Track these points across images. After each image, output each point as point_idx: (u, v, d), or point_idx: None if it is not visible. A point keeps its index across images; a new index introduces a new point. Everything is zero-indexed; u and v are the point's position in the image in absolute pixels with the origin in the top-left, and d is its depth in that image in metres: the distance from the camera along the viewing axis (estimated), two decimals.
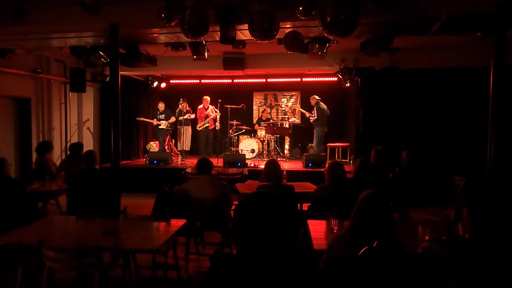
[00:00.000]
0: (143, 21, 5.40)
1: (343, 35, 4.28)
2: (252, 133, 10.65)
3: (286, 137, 10.53)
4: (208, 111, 10.25)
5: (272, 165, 4.56)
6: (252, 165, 8.69)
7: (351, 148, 9.51)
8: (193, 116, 10.18)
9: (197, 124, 10.36)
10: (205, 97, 10.31)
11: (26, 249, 3.03)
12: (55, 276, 3.57)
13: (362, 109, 8.61)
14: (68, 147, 8.25)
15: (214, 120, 10.35)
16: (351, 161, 9.40)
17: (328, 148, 9.90)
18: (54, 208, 6.02)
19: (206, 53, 6.77)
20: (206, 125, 10.17)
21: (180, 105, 9.90)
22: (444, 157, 7.74)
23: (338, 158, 9.69)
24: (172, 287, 3.91)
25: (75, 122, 9.72)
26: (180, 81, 11.45)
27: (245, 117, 11.15)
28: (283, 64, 8.90)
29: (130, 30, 5.80)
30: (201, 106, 10.35)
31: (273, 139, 10.20)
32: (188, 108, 10.13)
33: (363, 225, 2.27)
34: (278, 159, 9.50)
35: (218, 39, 5.31)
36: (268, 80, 11.17)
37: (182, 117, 9.93)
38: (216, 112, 10.19)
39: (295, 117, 11.83)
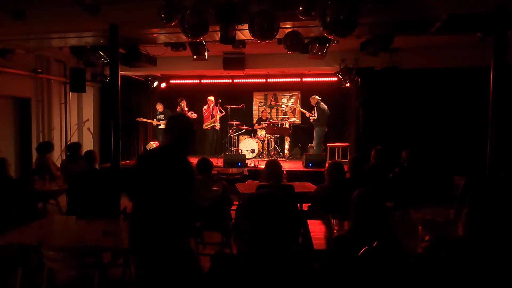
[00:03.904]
0: (143, 21, 5.40)
1: (343, 35, 4.28)
2: (252, 133, 10.65)
3: (286, 137, 10.53)
4: (213, 111, 10.26)
5: (273, 165, 4.56)
6: (252, 165, 8.69)
7: (351, 148, 9.51)
8: (195, 115, 10.19)
9: (203, 123, 10.35)
10: (209, 97, 10.32)
11: (26, 249, 3.03)
12: (55, 276, 3.56)
13: (362, 109, 8.61)
14: (66, 147, 8.27)
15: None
16: None
17: (328, 148, 9.90)
18: (54, 208, 6.02)
19: (206, 53, 6.77)
20: (213, 124, 10.17)
21: (179, 106, 9.90)
22: (444, 157, 7.74)
23: (338, 158, 9.69)
24: (172, 287, 3.90)
25: (75, 122, 9.72)
26: (180, 81, 11.46)
27: (245, 117, 11.15)
28: (283, 64, 8.90)
29: (130, 30, 5.80)
30: (205, 106, 10.35)
31: (273, 139, 10.20)
32: (186, 108, 10.13)
33: (359, 224, 2.27)
34: (278, 159, 9.50)
35: (218, 39, 5.32)
36: (268, 80, 11.17)
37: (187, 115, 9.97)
38: (221, 112, 10.21)
39: (295, 117, 11.83)
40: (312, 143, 9.91)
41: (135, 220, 2.69)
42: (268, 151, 10.25)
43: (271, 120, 11.05)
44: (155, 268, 2.58)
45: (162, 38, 6.38)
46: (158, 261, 2.58)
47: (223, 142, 10.82)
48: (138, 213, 2.67)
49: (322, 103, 9.70)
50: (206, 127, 10.27)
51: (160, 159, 2.64)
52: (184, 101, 10.07)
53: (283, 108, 11.35)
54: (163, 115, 10.20)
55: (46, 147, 6.48)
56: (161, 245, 2.57)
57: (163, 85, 11.24)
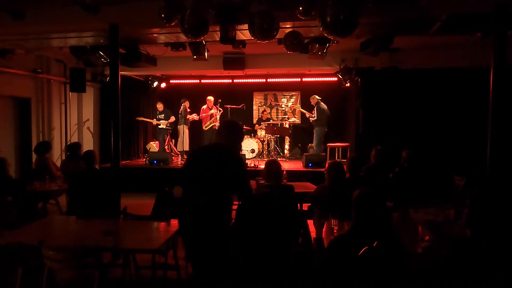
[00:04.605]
0: (143, 21, 5.40)
1: (343, 35, 4.28)
2: (252, 133, 10.64)
3: (286, 137, 10.53)
4: (212, 111, 10.25)
5: (273, 165, 4.55)
6: (252, 165, 8.69)
7: (351, 148, 9.51)
8: (197, 117, 10.19)
9: (202, 124, 10.34)
10: (209, 97, 10.30)
11: (26, 249, 3.03)
12: (55, 276, 3.57)
13: (362, 109, 8.61)
14: (66, 147, 8.27)
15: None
16: None
17: (328, 148, 9.90)
18: (54, 208, 6.02)
19: (206, 53, 6.77)
20: (213, 124, 10.18)
21: (182, 106, 9.89)
22: (444, 157, 7.74)
23: (338, 158, 9.69)
24: (172, 287, 3.91)
25: (75, 122, 9.72)
26: (180, 81, 11.46)
27: (245, 117, 11.14)
28: (283, 64, 8.90)
29: (130, 30, 5.80)
30: (205, 106, 10.33)
31: (273, 139, 10.20)
32: (188, 109, 10.12)
33: (359, 224, 2.28)
34: (278, 159, 9.50)
35: (218, 39, 5.32)
36: (268, 80, 11.17)
37: (189, 116, 9.94)
38: (219, 111, 10.19)
39: (295, 117, 11.82)
40: (312, 143, 9.91)
41: (189, 208, 2.86)
42: (268, 151, 10.25)
43: (271, 120, 11.04)
44: (211, 255, 2.71)
45: (162, 38, 6.38)
46: (215, 248, 2.69)
47: None
48: (191, 201, 2.86)
49: (322, 103, 9.70)
50: (206, 128, 10.24)
51: (216, 153, 2.99)
52: (187, 101, 10.04)
53: (283, 108, 11.35)
54: (163, 115, 10.19)
55: (44, 147, 6.47)
56: (216, 229, 2.72)
57: (163, 85, 11.24)
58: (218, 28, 5.02)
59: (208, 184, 2.80)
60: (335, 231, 3.14)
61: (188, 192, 2.89)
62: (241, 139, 3.21)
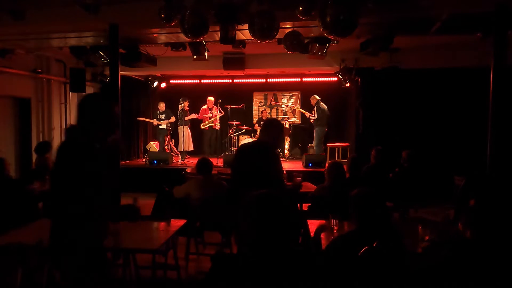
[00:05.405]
0: (143, 21, 5.40)
1: (343, 35, 4.29)
2: (252, 133, 10.63)
3: (286, 137, 10.52)
4: (212, 111, 10.25)
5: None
6: None
7: (351, 148, 9.51)
8: (196, 116, 10.19)
9: (201, 123, 10.34)
10: (209, 98, 10.30)
11: (26, 249, 3.03)
12: (55, 276, 3.56)
13: (362, 109, 8.61)
14: None
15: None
16: None
17: (328, 148, 9.89)
18: None
19: (206, 53, 6.77)
20: (210, 124, 10.18)
21: (180, 105, 9.88)
22: (444, 157, 7.74)
23: (338, 158, 9.68)
24: (172, 287, 3.91)
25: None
26: (180, 81, 11.45)
27: (245, 117, 11.13)
28: (283, 64, 8.90)
29: (130, 30, 5.80)
30: (205, 106, 10.32)
31: None
32: (187, 107, 10.11)
33: (359, 224, 2.27)
34: None
35: (218, 39, 5.32)
36: (268, 80, 11.16)
37: (188, 116, 9.93)
38: (220, 112, 10.19)
39: (295, 117, 11.82)
40: (312, 143, 9.90)
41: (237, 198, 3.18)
42: None
43: None
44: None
45: (162, 38, 6.38)
46: None
47: (223, 142, 10.81)
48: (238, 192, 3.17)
49: (322, 103, 9.69)
50: (204, 127, 10.25)
51: (258, 150, 3.47)
52: (187, 101, 10.02)
53: (283, 108, 11.34)
54: (164, 115, 10.18)
55: (44, 147, 6.46)
56: None
57: (163, 85, 11.23)
58: (218, 28, 5.02)
59: (252, 178, 3.18)
60: (335, 231, 3.14)
61: (238, 186, 3.30)
62: (280, 135, 3.52)
